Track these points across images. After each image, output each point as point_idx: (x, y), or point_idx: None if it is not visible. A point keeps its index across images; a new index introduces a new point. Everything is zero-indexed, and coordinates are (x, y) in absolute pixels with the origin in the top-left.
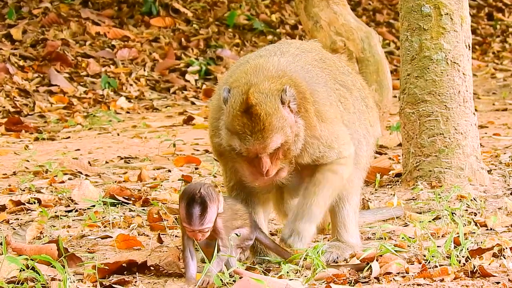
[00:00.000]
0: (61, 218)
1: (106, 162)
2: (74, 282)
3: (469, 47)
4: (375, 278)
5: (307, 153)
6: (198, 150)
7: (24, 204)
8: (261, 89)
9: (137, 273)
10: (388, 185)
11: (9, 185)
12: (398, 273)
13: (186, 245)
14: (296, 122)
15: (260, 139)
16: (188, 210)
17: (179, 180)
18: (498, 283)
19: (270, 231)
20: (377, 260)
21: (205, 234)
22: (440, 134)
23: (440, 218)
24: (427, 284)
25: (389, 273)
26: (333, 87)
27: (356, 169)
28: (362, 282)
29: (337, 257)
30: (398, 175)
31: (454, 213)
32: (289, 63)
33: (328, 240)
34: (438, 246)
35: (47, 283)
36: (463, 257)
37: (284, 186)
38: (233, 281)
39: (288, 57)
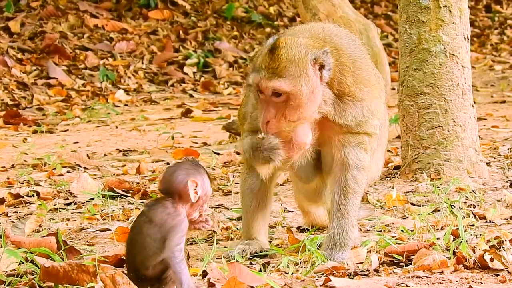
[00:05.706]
0: (60, 211)
1: (105, 155)
2: None
3: (468, 39)
4: (374, 270)
5: (351, 114)
6: (196, 143)
7: (23, 197)
8: (298, 41)
9: None
10: (387, 177)
11: (8, 178)
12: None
13: None
14: (319, 88)
15: (269, 75)
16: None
17: None
18: (497, 275)
19: (269, 223)
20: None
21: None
22: (439, 126)
23: (439, 211)
24: (427, 277)
25: (429, 266)
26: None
27: (380, 152)
28: (362, 275)
29: None
30: (397, 167)
31: (453, 205)
32: (336, 29)
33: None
34: (437, 239)
35: None
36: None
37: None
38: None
39: (332, 26)
